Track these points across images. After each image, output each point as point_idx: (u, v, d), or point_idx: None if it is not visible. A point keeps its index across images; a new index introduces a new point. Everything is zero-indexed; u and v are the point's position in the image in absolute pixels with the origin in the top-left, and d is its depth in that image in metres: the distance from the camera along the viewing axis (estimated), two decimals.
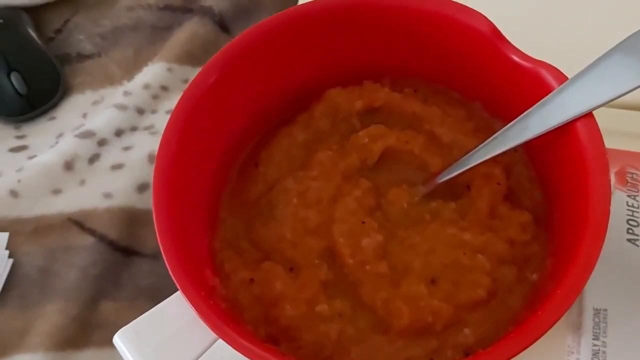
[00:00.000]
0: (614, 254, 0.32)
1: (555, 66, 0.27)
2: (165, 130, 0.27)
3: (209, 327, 0.23)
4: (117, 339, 0.24)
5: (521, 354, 0.23)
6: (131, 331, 0.24)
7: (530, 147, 0.31)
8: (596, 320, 0.31)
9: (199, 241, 0.29)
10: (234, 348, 0.23)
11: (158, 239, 0.24)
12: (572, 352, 0.31)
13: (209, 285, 0.27)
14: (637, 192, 0.34)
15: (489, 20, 0.29)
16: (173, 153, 0.27)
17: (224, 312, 0.26)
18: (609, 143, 0.26)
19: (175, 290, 0.25)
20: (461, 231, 0.29)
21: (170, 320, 0.24)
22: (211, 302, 0.24)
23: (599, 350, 0.30)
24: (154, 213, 0.25)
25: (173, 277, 0.24)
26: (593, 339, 0.30)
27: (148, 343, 0.24)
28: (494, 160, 0.29)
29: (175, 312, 0.25)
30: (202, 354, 0.24)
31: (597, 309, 0.31)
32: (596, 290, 0.31)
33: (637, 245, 0.32)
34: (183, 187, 0.27)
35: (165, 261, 0.24)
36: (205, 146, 0.29)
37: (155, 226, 0.25)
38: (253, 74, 0.30)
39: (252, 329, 0.27)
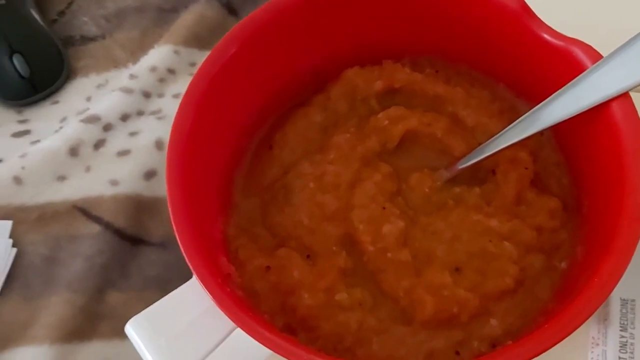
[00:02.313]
0: None
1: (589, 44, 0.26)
2: (180, 106, 0.25)
3: (227, 315, 0.22)
4: (129, 328, 0.23)
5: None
6: (144, 320, 0.23)
7: (558, 130, 0.30)
8: (623, 311, 0.30)
9: (213, 227, 0.28)
10: (253, 337, 0.22)
11: (172, 221, 0.23)
12: (598, 344, 0.30)
13: (224, 272, 0.26)
14: None
15: None
16: (187, 131, 0.25)
17: (242, 300, 0.24)
18: None
19: (185, 279, 0.24)
20: (487, 217, 0.28)
21: (185, 309, 0.23)
22: (228, 289, 0.23)
23: (626, 342, 0.29)
24: (167, 193, 0.24)
25: (189, 263, 0.23)
26: (620, 330, 0.29)
27: (162, 332, 0.23)
28: (520, 143, 0.28)
29: (190, 300, 0.23)
30: (219, 344, 0.23)
31: (624, 300, 0.30)
32: (623, 280, 0.30)
33: None
34: (197, 169, 0.26)
35: (181, 246, 0.23)
36: (220, 126, 0.28)
37: (170, 208, 0.23)
38: (270, 51, 0.29)
39: (269, 318, 0.26)
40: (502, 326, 0.26)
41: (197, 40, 0.45)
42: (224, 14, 0.47)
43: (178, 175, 0.25)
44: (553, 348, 0.22)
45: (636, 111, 0.25)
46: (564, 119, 0.26)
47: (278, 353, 0.21)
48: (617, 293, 0.30)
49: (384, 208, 0.28)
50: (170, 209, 0.24)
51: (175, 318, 0.23)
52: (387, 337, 0.26)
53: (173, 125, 0.25)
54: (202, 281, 0.22)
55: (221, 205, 0.29)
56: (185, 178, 0.25)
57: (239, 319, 0.22)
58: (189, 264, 0.23)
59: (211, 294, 0.22)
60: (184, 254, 0.23)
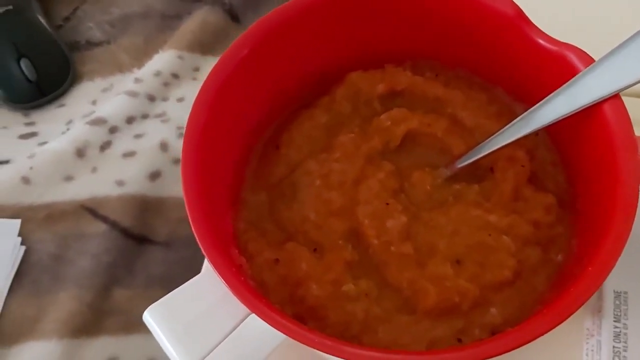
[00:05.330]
0: (634, 236, 0.32)
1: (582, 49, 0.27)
2: (193, 106, 0.26)
3: (241, 301, 0.23)
4: (147, 316, 0.24)
5: (539, 338, 0.23)
6: (161, 307, 0.24)
7: (553, 131, 0.31)
8: (617, 302, 0.31)
9: (224, 221, 0.29)
10: (267, 322, 0.23)
11: (188, 214, 0.24)
12: (592, 335, 0.31)
13: (236, 263, 0.27)
14: None
15: (514, 2, 0.29)
16: (201, 130, 0.26)
17: (254, 289, 0.25)
18: None
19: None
20: (486, 213, 0.29)
21: (201, 297, 0.24)
22: (242, 278, 0.24)
23: (620, 332, 0.30)
24: (183, 188, 0.25)
25: (204, 252, 0.23)
26: (614, 321, 0.31)
27: (179, 319, 0.24)
28: (517, 143, 0.29)
29: (206, 289, 0.24)
30: (233, 330, 0.24)
31: (617, 292, 0.31)
32: (616, 273, 0.31)
33: None
34: (209, 166, 0.27)
35: (197, 237, 0.24)
36: (230, 126, 0.29)
37: (185, 201, 0.24)
38: (279, 55, 0.30)
39: (279, 308, 0.27)
40: (501, 315, 0.27)
41: (200, 45, 0.47)
42: (226, 20, 0.48)
43: (192, 172, 0.26)
44: (550, 339, 0.23)
45: (626, 112, 0.26)
46: (558, 120, 0.27)
47: (291, 337, 0.22)
48: (611, 285, 0.31)
49: (387, 204, 0.29)
50: (186, 203, 0.24)
51: (191, 306, 0.24)
52: (392, 326, 0.27)
53: (187, 124, 0.26)
54: (217, 269, 0.23)
55: (231, 201, 0.30)
56: (198, 174, 0.26)
57: (254, 305, 0.23)
58: (204, 253, 0.23)
59: (226, 281, 0.23)
60: (199, 244, 0.24)
